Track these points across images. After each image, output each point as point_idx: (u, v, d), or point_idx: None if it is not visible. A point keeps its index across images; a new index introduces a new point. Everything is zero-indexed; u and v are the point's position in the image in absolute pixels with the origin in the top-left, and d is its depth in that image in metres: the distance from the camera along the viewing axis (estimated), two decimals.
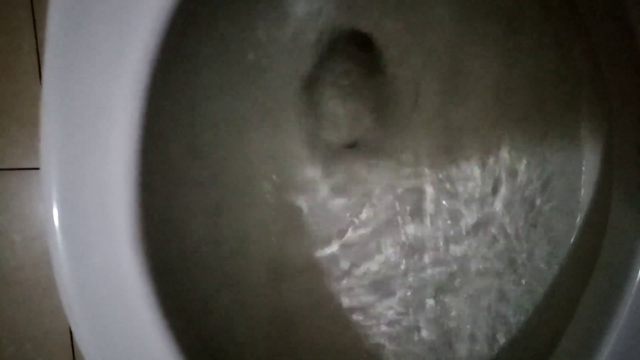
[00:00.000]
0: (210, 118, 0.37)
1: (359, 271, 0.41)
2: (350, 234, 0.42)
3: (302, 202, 0.41)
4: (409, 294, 0.41)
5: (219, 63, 0.37)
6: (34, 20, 0.63)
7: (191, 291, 0.34)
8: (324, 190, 0.42)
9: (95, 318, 0.27)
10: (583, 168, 0.38)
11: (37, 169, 0.64)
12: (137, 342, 0.28)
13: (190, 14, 0.27)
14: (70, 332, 0.66)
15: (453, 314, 0.41)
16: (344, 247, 0.42)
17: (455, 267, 0.41)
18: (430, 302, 0.41)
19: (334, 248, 0.41)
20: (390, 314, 0.41)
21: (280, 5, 0.39)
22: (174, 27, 0.26)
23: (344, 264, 0.41)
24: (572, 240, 0.39)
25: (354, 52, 0.42)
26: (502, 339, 0.40)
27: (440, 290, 0.41)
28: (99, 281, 0.27)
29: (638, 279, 0.29)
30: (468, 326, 0.41)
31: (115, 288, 0.27)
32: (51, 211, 0.27)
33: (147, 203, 0.27)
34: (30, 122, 0.64)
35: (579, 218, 0.38)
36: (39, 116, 0.26)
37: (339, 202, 0.42)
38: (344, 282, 0.41)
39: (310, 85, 0.42)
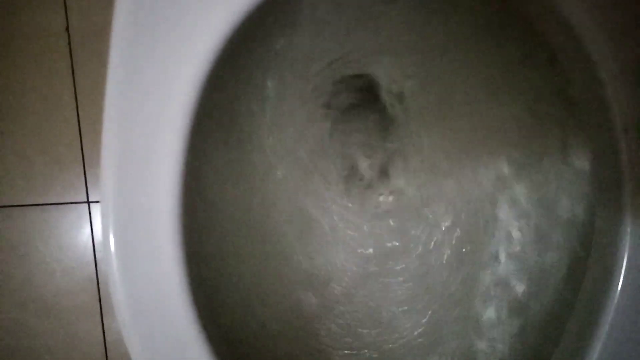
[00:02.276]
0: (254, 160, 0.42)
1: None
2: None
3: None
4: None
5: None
6: (73, 71, 0.70)
7: (235, 314, 0.38)
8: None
9: (146, 333, 0.31)
10: (575, 184, 0.39)
11: (76, 203, 0.69)
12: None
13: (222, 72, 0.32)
14: (106, 356, 0.70)
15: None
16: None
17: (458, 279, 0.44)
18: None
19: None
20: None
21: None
22: (218, 80, 0.31)
23: None
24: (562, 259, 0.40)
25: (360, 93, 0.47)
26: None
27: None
28: (150, 300, 0.31)
29: (619, 290, 0.32)
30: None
31: (163, 307, 0.31)
32: (108, 238, 0.31)
33: (189, 234, 0.32)
34: (69, 162, 0.69)
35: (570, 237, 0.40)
36: (81, 158, 0.31)
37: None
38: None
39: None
